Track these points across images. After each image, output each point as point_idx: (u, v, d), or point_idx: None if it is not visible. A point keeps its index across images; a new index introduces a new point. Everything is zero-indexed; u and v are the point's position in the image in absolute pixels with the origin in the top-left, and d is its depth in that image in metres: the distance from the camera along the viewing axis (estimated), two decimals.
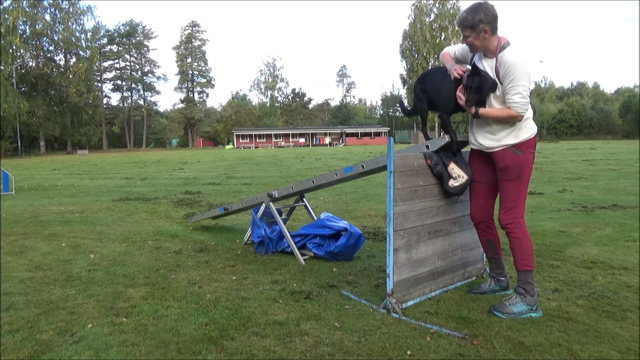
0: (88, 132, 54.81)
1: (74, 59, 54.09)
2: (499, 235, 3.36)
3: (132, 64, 71.09)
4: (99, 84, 65.29)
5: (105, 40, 67.30)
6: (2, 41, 40.82)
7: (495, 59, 2.95)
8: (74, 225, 6.32)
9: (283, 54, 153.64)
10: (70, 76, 51.52)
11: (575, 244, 4.83)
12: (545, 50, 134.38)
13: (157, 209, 7.82)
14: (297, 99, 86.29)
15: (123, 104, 70.84)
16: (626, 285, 3.52)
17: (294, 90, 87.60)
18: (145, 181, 13.46)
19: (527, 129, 3.01)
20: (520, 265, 3.05)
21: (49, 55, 53.18)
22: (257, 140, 64.28)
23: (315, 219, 4.84)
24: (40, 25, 49.46)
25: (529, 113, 3.00)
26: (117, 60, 70.54)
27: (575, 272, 3.85)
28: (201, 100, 77.94)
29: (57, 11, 51.48)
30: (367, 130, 68.22)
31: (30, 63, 51.57)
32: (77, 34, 53.35)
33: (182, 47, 75.06)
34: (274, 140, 64.91)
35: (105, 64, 69.24)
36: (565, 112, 64.16)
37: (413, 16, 61.47)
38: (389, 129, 69.92)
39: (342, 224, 4.49)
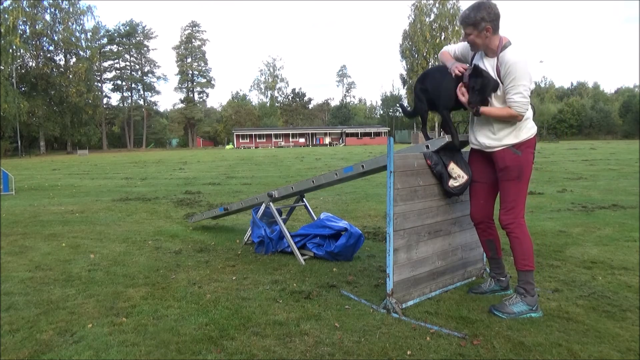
0: (88, 132, 54.82)
1: (74, 59, 54.11)
2: (499, 235, 3.36)
3: (132, 64, 71.12)
4: (99, 84, 65.31)
5: (105, 40, 67.29)
6: (2, 41, 40.82)
7: (496, 58, 2.96)
8: (74, 225, 6.32)
9: (283, 54, 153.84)
10: (70, 76, 51.52)
11: (575, 244, 4.83)
12: (545, 50, 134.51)
13: (157, 209, 7.82)
14: (297, 99, 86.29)
15: (123, 104, 70.85)
16: (626, 285, 3.52)
17: (294, 90, 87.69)
18: (145, 181, 13.46)
19: (527, 129, 3.02)
20: (520, 265, 3.05)
21: (49, 55, 53.18)
22: (257, 140, 64.27)
23: (315, 219, 4.84)
24: (40, 25, 49.46)
25: (529, 113, 3.00)
26: (117, 60, 70.56)
27: (575, 272, 3.85)
28: (201, 100, 77.99)
29: (57, 11, 51.49)
30: (367, 130, 68.21)
31: (30, 63, 51.60)
32: (77, 34, 53.39)
33: (182, 47, 75.06)
34: (274, 140, 64.91)
35: (105, 64, 69.28)
36: (565, 112, 64.17)
37: (413, 16, 61.48)
38: (389, 129, 69.91)
39: (342, 224, 4.49)
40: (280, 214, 4.70)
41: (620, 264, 4.07)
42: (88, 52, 55.28)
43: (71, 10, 52.18)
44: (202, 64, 76.48)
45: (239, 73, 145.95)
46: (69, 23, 51.96)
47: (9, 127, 43.10)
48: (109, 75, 70.39)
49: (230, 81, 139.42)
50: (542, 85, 77.31)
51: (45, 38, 51.40)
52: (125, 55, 70.54)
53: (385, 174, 3.04)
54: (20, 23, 45.93)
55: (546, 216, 6.40)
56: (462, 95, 3.01)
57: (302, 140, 65.86)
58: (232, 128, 68.95)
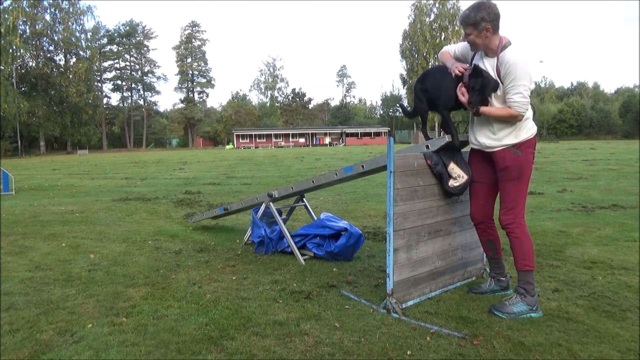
0: (88, 132, 54.81)
1: (74, 59, 54.10)
2: (499, 235, 3.36)
3: (132, 64, 71.11)
4: (99, 84, 65.30)
5: (105, 40, 67.28)
6: (2, 41, 40.82)
7: (496, 58, 2.96)
8: (74, 225, 6.32)
9: (283, 54, 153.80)
10: (70, 76, 51.51)
11: (575, 244, 4.83)
12: (545, 50, 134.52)
13: (157, 209, 7.82)
14: (297, 99, 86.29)
15: (123, 104, 70.85)
16: (626, 285, 3.52)
17: (294, 90, 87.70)
18: (145, 181, 13.46)
19: (527, 129, 3.02)
20: (520, 265, 3.05)
21: (49, 55, 53.17)
22: (257, 140, 64.27)
23: (315, 219, 4.84)
24: (40, 25, 49.46)
25: (529, 113, 3.00)
26: (117, 60, 70.56)
27: (575, 272, 3.85)
28: (201, 100, 78.00)
29: (57, 11, 51.48)
30: (367, 130, 68.21)
31: (30, 63, 51.58)
32: (77, 34, 53.37)
33: (182, 47, 75.06)
34: (274, 140, 64.91)
35: (105, 64, 69.28)
36: (565, 112, 64.16)
37: (413, 16, 61.47)
38: (389, 129, 69.92)
39: (342, 224, 4.49)
40: (280, 214, 4.70)
41: (620, 264, 4.07)
42: (88, 52, 55.28)
43: (71, 10, 52.17)
44: (202, 64, 76.52)
45: (239, 73, 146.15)
46: (69, 23, 51.96)
47: (9, 127, 43.10)
48: (109, 75, 70.49)
49: (230, 81, 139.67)
50: (542, 85, 77.33)
51: (45, 38, 51.40)
52: (125, 55, 70.55)
53: (385, 174, 3.04)
54: (20, 23, 45.95)
55: (546, 216, 6.40)
56: (462, 95, 3.01)
57: (302, 140, 65.85)
58: (232, 128, 68.95)
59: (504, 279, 3.41)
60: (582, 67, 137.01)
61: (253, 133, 65.14)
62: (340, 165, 15.24)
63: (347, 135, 65.72)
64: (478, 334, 2.69)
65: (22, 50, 47.65)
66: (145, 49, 71.26)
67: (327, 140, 66.19)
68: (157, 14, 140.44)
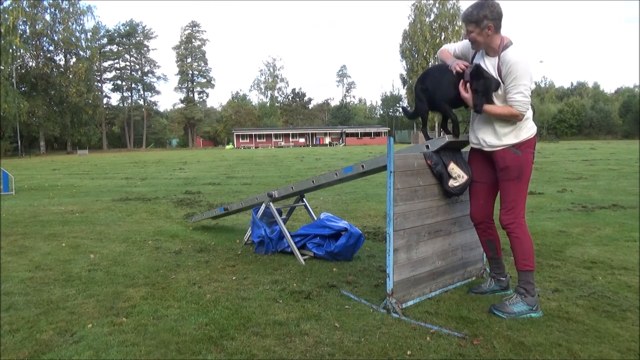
0: (88, 132, 54.82)
1: (74, 59, 54.11)
2: (499, 235, 3.36)
3: (132, 64, 71.11)
4: (99, 84, 65.30)
5: (105, 40, 67.28)
6: (2, 41, 40.82)
7: (497, 57, 2.96)
8: (74, 225, 6.32)
9: (283, 54, 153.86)
10: (70, 76, 51.52)
11: (575, 244, 4.83)
12: (545, 50, 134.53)
13: (157, 209, 7.82)
14: (297, 99, 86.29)
15: (123, 104, 70.86)
16: (626, 285, 3.52)
17: (294, 90, 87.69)
18: (145, 181, 13.46)
19: (528, 129, 3.02)
20: (520, 265, 3.05)
21: (49, 55, 53.17)
22: (257, 140, 64.27)
23: (315, 219, 4.84)
24: (40, 25, 49.47)
25: (529, 113, 3.01)
26: (117, 60, 70.56)
27: (575, 272, 3.85)
28: (201, 100, 77.99)
29: (57, 11, 51.49)
30: (367, 130, 68.22)
31: (30, 63, 51.59)
32: (77, 34, 53.39)
33: (182, 47, 75.07)
34: (274, 140, 64.91)
35: (105, 64, 69.29)
36: (565, 112, 64.15)
37: (413, 16, 61.49)
38: (389, 129, 69.93)
39: (342, 224, 4.49)
40: (280, 214, 4.70)
41: (620, 264, 4.07)
42: (88, 52, 55.28)
43: (71, 10, 52.18)
44: (202, 64, 76.52)
45: (239, 73, 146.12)
46: (69, 23, 51.96)
47: (9, 127, 43.11)
48: (109, 75, 70.50)
49: (230, 81, 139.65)
50: (542, 85, 77.33)
51: (45, 38, 51.41)
52: (125, 55, 70.55)
53: (385, 174, 3.04)
54: (20, 23, 45.96)
55: (546, 216, 6.40)
56: (464, 91, 3.00)
57: (302, 140, 65.86)
58: (232, 128, 68.95)
59: (504, 279, 3.41)
60: (582, 67, 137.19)
61: (253, 133, 65.13)
62: (340, 165, 15.24)
63: (347, 135, 65.72)
64: (478, 334, 2.69)
65: (22, 50, 47.66)
66: (145, 49, 71.30)
67: (327, 140, 66.19)
68: (157, 14, 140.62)
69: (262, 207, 4.72)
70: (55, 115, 50.74)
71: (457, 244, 3.55)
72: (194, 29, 75.52)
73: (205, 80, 76.87)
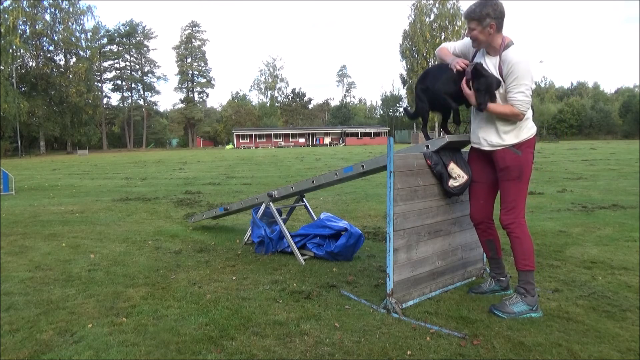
0: (88, 132, 54.82)
1: (74, 59, 54.12)
2: (499, 235, 3.36)
3: (132, 64, 71.12)
4: (99, 84, 65.32)
5: (105, 40, 67.29)
6: (2, 41, 40.82)
7: (498, 57, 2.96)
8: (74, 225, 6.32)
9: (283, 54, 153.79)
10: (70, 76, 51.53)
11: (575, 244, 4.83)
12: (545, 50, 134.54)
13: (157, 209, 7.82)
14: (297, 99, 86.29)
15: (123, 104, 70.88)
16: (626, 285, 3.52)
17: (294, 90, 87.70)
18: (145, 181, 13.46)
19: (528, 129, 3.02)
20: (521, 265, 3.05)
21: (49, 55, 53.19)
22: (257, 140, 64.27)
23: (315, 219, 4.84)
24: (40, 25, 49.48)
25: (529, 113, 3.01)
26: (117, 60, 70.57)
27: (575, 272, 3.85)
28: (201, 100, 77.99)
29: (57, 11, 51.51)
30: (367, 130, 68.21)
31: (30, 63, 51.60)
32: (77, 34, 53.42)
33: (182, 47, 75.08)
34: (274, 140, 64.91)
35: (105, 64, 69.30)
36: (565, 112, 64.14)
37: (413, 16, 61.50)
38: (389, 129, 69.93)
39: (342, 224, 4.49)
40: (280, 214, 4.70)
41: (620, 264, 4.07)
42: (88, 52, 55.30)
43: (71, 10, 52.21)
44: (202, 64, 76.53)
45: (239, 73, 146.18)
46: (69, 23, 51.99)
47: (9, 127, 43.11)
48: (109, 75, 70.52)
49: (230, 81, 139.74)
50: (542, 85, 77.28)
51: (45, 38, 51.42)
52: (125, 55, 70.56)
53: (385, 174, 3.04)
54: (20, 23, 45.99)
55: (546, 216, 6.40)
56: (466, 89, 2.99)
57: (302, 140, 65.85)
58: (232, 128, 68.95)
59: (504, 279, 3.41)
60: (582, 67, 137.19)
61: (253, 133, 65.13)
62: (340, 165, 15.24)
63: (347, 135, 65.71)
64: (478, 334, 2.69)
65: (22, 50, 47.68)
66: (145, 49, 71.31)
67: (327, 140, 66.18)
68: (157, 14, 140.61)
69: (262, 207, 4.71)
70: (55, 115, 50.75)
71: (457, 244, 3.55)
72: (194, 29, 75.57)
73: (205, 80, 76.92)
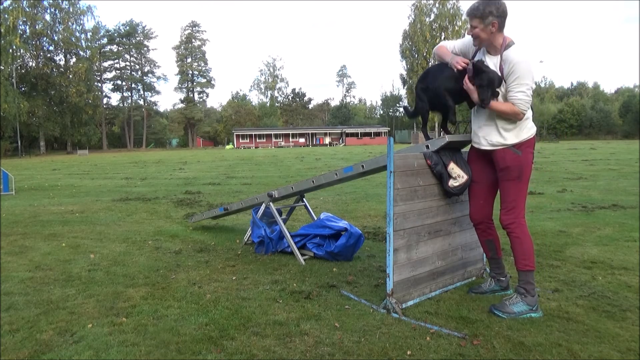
0: (88, 132, 54.83)
1: (74, 59, 54.13)
2: (498, 236, 3.36)
3: (132, 64, 71.16)
4: (99, 84, 65.33)
5: (105, 40, 67.32)
6: (2, 41, 40.83)
7: (499, 56, 2.96)
8: (74, 225, 6.32)
9: (283, 54, 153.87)
10: (70, 76, 51.54)
11: (575, 244, 4.83)
12: (545, 50, 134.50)
13: (157, 209, 7.82)
14: (297, 99, 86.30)
15: (123, 104, 70.90)
16: (626, 285, 3.52)
17: (294, 90, 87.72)
18: (145, 181, 13.46)
19: (528, 129, 3.02)
20: (521, 265, 3.05)
21: (49, 55, 53.21)
22: (257, 140, 64.27)
23: (315, 219, 4.84)
24: (40, 25, 49.48)
25: (529, 113, 3.01)
26: (117, 60, 70.61)
27: (575, 272, 3.85)
28: (201, 100, 78.01)
29: (57, 11, 51.53)
30: (367, 130, 68.22)
31: (30, 63, 51.63)
32: (77, 34, 53.45)
33: (182, 47, 75.09)
34: (274, 140, 64.91)
35: (105, 64, 69.33)
36: (565, 112, 64.14)
37: (413, 16, 61.53)
38: (389, 129, 69.93)
39: (342, 224, 4.49)
40: (280, 214, 4.70)
41: (620, 264, 4.07)
42: (88, 52, 55.33)
43: (71, 10, 52.22)
44: (202, 64, 76.54)
45: (239, 73, 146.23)
46: (69, 23, 52.01)
47: (9, 127, 43.12)
48: (109, 75, 70.56)
49: (230, 81, 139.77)
50: (542, 85, 77.25)
51: (45, 38, 51.43)
52: (125, 55, 70.59)
53: (385, 174, 3.04)
54: (20, 23, 46.00)
55: (546, 216, 6.40)
56: (469, 88, 2.98)
57: (302, 140, 65.85)
58: (232, 128, 68.95)
59: (504, 279, 3.41)
60: (582, 67, 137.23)
61: (253, 133, 65.13)
62: (340, 165, 15.25)
63: (347, 135, 65.72)
64: (478, 334, 2.69)
65: (22, 50, 47.70)
66: (145, 49, 71.34)
67: (327, 140, 66.18)
68: (157, 14, 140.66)
69: (262, 207, 4.71)
70: (55, 115, 50.76)
71: (457, 244, 3.55)
72: (194, 29, 75.58)
73: (205, 80, 76.94)
